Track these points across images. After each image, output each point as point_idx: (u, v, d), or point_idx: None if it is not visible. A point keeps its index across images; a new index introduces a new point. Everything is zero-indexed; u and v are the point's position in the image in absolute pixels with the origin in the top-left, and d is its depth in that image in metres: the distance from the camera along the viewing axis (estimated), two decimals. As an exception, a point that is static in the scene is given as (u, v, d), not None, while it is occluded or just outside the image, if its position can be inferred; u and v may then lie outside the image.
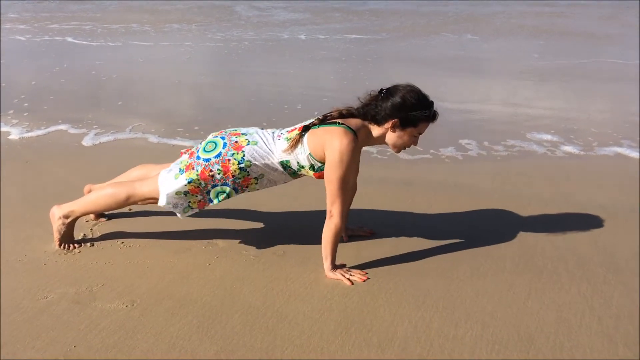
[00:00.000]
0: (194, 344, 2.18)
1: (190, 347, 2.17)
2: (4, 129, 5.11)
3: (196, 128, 5.25)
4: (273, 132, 2.77)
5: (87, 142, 4.82)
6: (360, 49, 10.25)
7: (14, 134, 4.98)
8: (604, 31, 12.58)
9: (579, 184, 4.01)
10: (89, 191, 3.13)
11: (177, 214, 2.78)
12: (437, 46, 10.68)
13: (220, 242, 3.01)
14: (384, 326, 2.33)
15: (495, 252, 2.99)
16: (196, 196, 2.73)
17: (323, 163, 2.62)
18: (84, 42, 10.55)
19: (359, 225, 3.22)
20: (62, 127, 5.28)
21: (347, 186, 2.62)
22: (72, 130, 5.18)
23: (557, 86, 7.39)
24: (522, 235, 3.18)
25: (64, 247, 2.87)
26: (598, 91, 7.15)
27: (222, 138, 2.74)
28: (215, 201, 2.77)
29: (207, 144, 2.75)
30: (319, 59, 9.28)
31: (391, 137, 2.67)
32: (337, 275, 2.68)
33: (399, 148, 2.72)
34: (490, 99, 6.66)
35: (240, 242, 3.02)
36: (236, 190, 2.75)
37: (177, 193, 2.70)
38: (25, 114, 5.60)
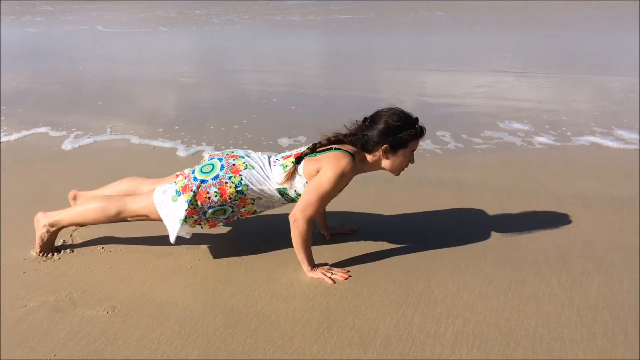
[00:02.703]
0: (176, 349, 2.17)
1: (172, 351, 2.16)
2: (-19, 134, 5.06)
3: (176, 127, 5.22)
4: (269, 157, 2.78)
5: (66, 145, 4.77)
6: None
7: (-8, 139, 4.93)
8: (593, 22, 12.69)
9: (557, 175, 4.04)
10: (74, 197, 3.09)
11: (171, 237, 2.69)
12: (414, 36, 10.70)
13: (202, 246, 3.00)
14: (366, 324, 2.33)
15: (477, 246, 3.00)
16: (192, 217, 2.71)
17: None
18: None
19: (340, 224, 3.23)
20: (42, 130, 5.22)
21: (325, 202, 2.63)
22: (53, 134, 5.13)
23: (539, 78, 7.44)
24: (503, 228, 3.20)
25: (44, 255, 2.84)
26: (581, 83, 7.22)
27: (220, 160, 2.73)
28: (211, 219, 2.75)
29: (204, 166, 2.73)
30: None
31: (386, 162, 2.69)
32: (318, 274, 2.68)
33: (396, 171, 2.73)
34: (469, 91, 6.68)
35: (221, 245, 3.01)
36: (233, 208, 2.74)
37: (181, 220, 2.66)
38: (2, 118, 5.53)
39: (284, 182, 2.65)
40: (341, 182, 2.56)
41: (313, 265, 2.71)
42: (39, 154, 4.54)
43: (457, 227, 3.23)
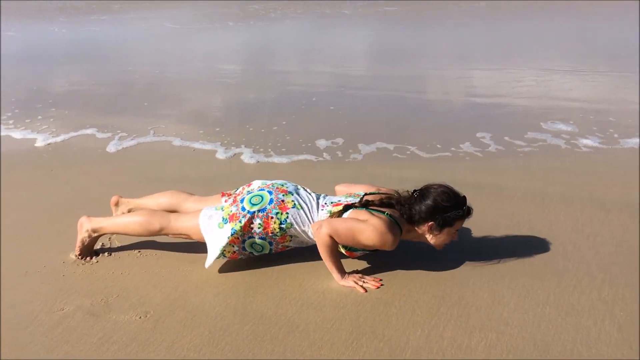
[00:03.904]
0: (204, 356, 2.19)
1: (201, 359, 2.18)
2: (30, 135, 5.23)
3: (217, 129, 5.27)
4: (318, 199, 2.80)
5: (110, 148, 4.88)
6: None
7: (40, 140, 5.08)
8: None
9: (603, 180, 3.88)
10: (116, 202, 3.16)
11: (208, 262, 2.74)
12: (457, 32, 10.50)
13: (236, 250, 3.01)
14: (396, 335, 2.30)
15: (515, 254, 2.92)
16: (233, 246, 2.74)
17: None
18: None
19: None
20: (89, 131, 5.37)
21: (349, 243, 2.63)
22: (99, 135, 5.27)
23: (588, 75, 7.17)
24: (543, 236, 3.10)
25: (83, 258, 2.92)
26: (632, 81, 6.92)
27: (270, 193, 2.75)
28: (248, 252, 2.79)
29: (253, 196, 2.75)
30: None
31: (431, 238, 2.69)
32: (350, 282, 2.66)
33: (439, 246, 2.74)
34: (513, 89, 6.50)
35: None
36: (271, 244, 2.77)
37: (221, 248, 2.70)
38: (51, 120, 5.71)
39: None
40: (375, 245, 2.57)
41: (343, 273, 2.69)
42: (84, 156, 4.67)
43: (495, 235, 3.15)
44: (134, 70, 8.45)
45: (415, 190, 2.70)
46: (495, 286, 2.64)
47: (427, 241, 2.73)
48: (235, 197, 2.83)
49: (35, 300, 2.58)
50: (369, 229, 2.53)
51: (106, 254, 2.98)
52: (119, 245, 3.08)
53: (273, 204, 2.69)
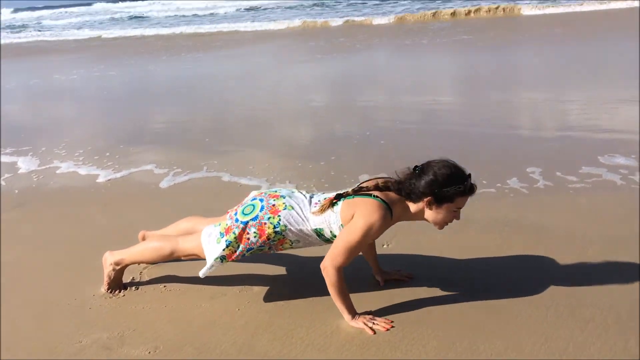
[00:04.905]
0: (201, 394, 2.24)
1: (198, 397, 2.23)
2: (94, 172, 5.58)
3: (267, 165, 5.40)
4: (311, 197, 2.82)
5: (163, 184, 5.12)
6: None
7: (102, 176, 5.42)
8: None
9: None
10: (143, 237, 3.33)
11: (202, 273, 2.82)
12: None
13: (256, 287, 3.07)
14: (396, 382, 2.25)
15: (540, 300, 2.78)
16: (230, 260, 2.80)
17: None
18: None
19: (396, 269, 3.15)
20: (148, 167, 5.65)
21: (355, 252, 2.59)
22: (157, 171, 5.54)
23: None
24: (575, 281, 2.94)
25: (111, 292, 3.07)
26: None
27: (261, 200, 2.80)
28: (249, 255, 2.83)
29: (245, 207, 2.82)
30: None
31: (429, 214, 2.62)
32: (359, 324, 2.63)
33: (440, 224, 2.66)
34: (577, 121, 6.20)
35: (273, 287, 3.06)
36: (270, 248, 2.81)
37: (216, 259, 2.77)
38: (117, 156, 6.07)
39: (316, 213, 2.66)
40: (371, 233, 2.51)
41: (354, 314, 2.67)
42: (138, 192, 4.92)
43: (523, 277, 3.02)
44: (205, 106, 8.83)
45: (416, 166, 2.61)
46: (511, 333, 2.53)
47: (427, 219, 2.64)
48: (232, 211, 2.89)
49: (59, 331, 2.74)
50: (354, 227, 2.51)
51: (134, 287, 3.13)
52: (148, 279, 3.22)
53: (264, 211, 2.72)
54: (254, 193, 2.95)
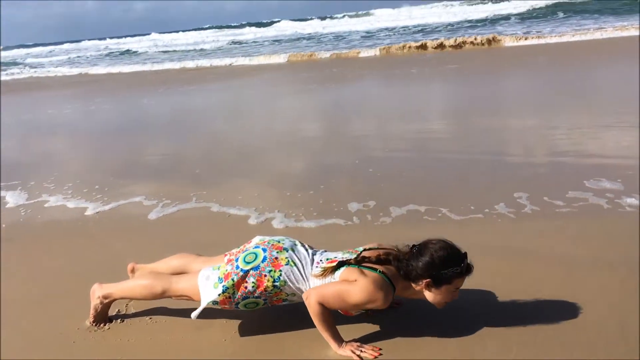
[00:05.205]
0: None
1: None
2: (83, 204, 5.56)
3: (255, 195, 5.40)
4: (314, 255, 2.81)
5: (152, 215, 5.10)
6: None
7: (91, 209, 5.39)
8: None
9: (644, 242, 3.64)
10: (132, 269, 3.30)
11: (194, 314, 2.79)
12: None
13: (242, 318, 3.04)
14: (383, 411, 2.22)
15: (534, 326, 2.76)
16: (224, 306, 2.79)
17: None
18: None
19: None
20: (137, 199, 5.64)
21: (340, 308, 2.63)
22: (146, 202, 5.52)
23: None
24: (566, 306, 2.93)
25: (97, 325, 3.03)
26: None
27: (264, 250, 2.79)
28: (242, 309, 2.82)
29: (248, 254, 2.80)
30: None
31: (428, 295, 2.64)
32: (347, 352, 2.62)
33: (439, 305, 2.67)
34: (562, 147, 6.27)
35: (261, 318, 3.03)
36: (266, 301, 2.80)
37: (209, 302, 2.76)
38: (106, 189, 6.05)
39: (318, 276, 2.67)
40: (367, 305, 2.56)
41: (340, 342, 2.66)
42: (126, 224, 4.90)
43: (510, 302, 3.01)
44: (195, 138, 8.84)
45: (414, 245, 2.63)
46: (500, 358, 2.51)
47: (426, 298, 2.64)
48: (232, 255, 2.87)
49: (42, 366, 2.70)
50: (356, 290, 2.50)
51: (119, 320, 3.09)
52: (134, 312, 3.19)
53: (266, 262, 2.71)
54: (257, 239, 2.92)
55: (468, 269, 2.57)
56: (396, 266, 2.63)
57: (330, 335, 2.63)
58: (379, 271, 2.59)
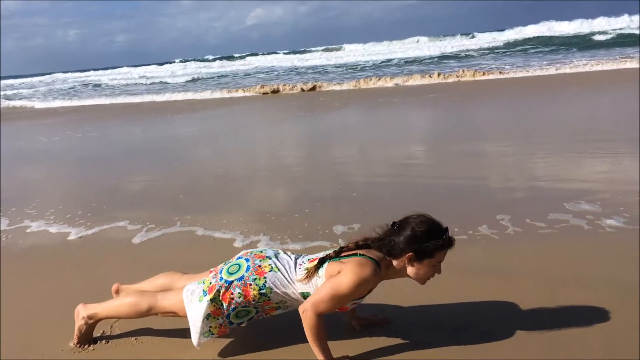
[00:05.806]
0: None
1: None
2: (65, 229, 5.50)
3: (241, 219, 5.40)
4: (296, 259, 2.82)
5: (137, 239, 5.07)
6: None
7: (73, 233, 5.34)
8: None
9: (626, 263, 3.70)
10: (116, 290, 3.27)
11: (194, 339, 2.77)
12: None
13: (231, 337, 3.02)
14: None
15: (515, 342, 2.81)
16: (217, 319, 2.76)
17: None
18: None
19: (374, 314, 3.14)
20: (121, 224, 5.60)
21: (339, 304, 2.60)
22: (130, 227, 5.48)
23: (628, 159, 6.99)
24: (549, 323, 2.97)
25: (81, 346, 2.99)
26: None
27: (247, 260, 2.80)
28: (236, 323, 2.81)
29: (231, 266, 2.80)
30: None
31: (411, 270, 2.65)
32: (336, 367, 2.61)
33: (422, 280, 2.69)
34: (543, 173, 6.39)
35: (250, 337, 3.02)
36: (258, 310, 2.79)
37: (202, 320, 2.74)
38: (89, 214, 6.00)
39: (303, 281, 2.67)
40: (360, 289, 2.55)
41: (331, 359, 2.65)
42: (109, 248, 4.86)
43: (495, 321, 3.04)
44: (180, 166, 8.83)
45: (394, 222, 2.65)
46: (488, 375, 2.53)
47: (409, 276, 2.65)
48: (216, 270, 2.87)
49: (25, 388, 2.65)
50: (343, 279, 2.52)
51: (104, 341, 3.05)
52: (119, 333, 3.15)
53: (250, 271, 2.71)
54: (240, 252, 2.93)
55: (450, 242, 2.58)
56: (378, 246, 2.64)
57: (321, 350, 2.63)
58: (359, 254, 2.61)
